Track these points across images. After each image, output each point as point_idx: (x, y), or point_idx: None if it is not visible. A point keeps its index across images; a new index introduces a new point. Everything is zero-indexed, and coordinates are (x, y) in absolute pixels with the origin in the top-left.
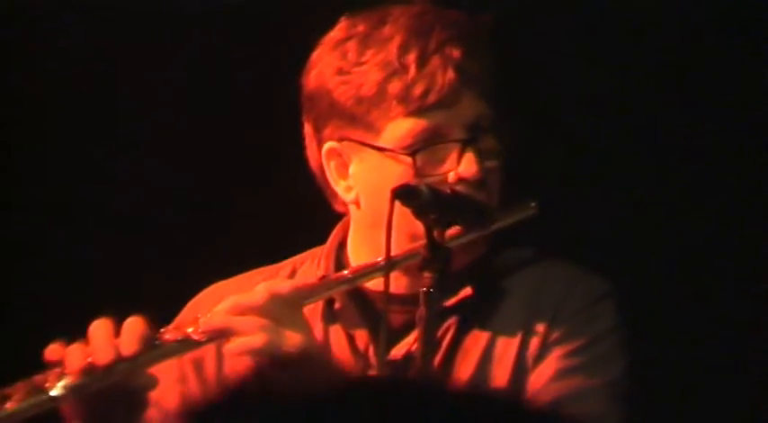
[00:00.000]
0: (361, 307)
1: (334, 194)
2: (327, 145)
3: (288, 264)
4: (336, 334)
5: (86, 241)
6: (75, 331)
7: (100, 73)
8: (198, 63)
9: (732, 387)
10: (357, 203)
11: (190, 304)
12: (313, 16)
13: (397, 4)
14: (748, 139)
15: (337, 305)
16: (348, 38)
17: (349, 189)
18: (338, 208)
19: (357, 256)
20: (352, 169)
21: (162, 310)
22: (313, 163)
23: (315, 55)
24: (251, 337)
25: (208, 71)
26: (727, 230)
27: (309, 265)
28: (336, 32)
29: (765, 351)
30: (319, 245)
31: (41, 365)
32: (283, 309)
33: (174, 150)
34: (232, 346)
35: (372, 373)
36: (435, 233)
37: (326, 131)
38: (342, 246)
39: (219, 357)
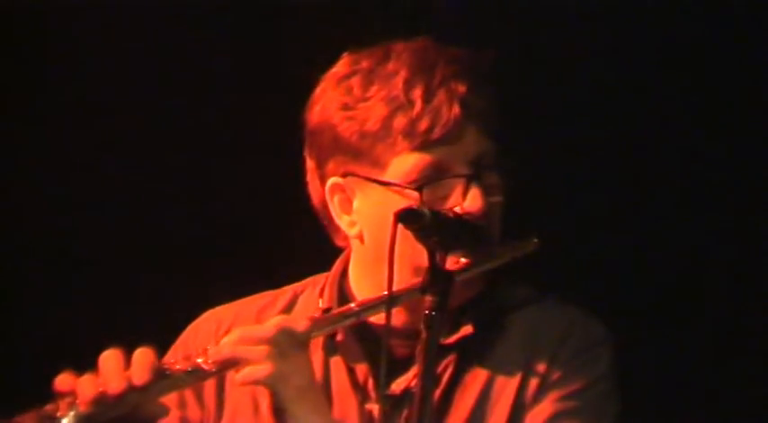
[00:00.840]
0: (362, 340)
1: (337, 229)
2: (331, 180)
3: (289, 290)
4: (337, 366)
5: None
6: (71, 360)
7: (103, 74)
8: (212, 69)
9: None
10: (361, 238)
11: (187, 330)
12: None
13: (398, 41)
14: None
15: (339, 337)
16: (352, 73)
17: (353, 224)
18: (339, 242)
19: (360, 289)
20: (356, 204)
21: (158, 334)
22: (315, 198)
23: (318, 91)
24: (259, 367)
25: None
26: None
27: (310, 293)
28: (340, 68)
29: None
30: (318, 272)
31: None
32: (291, 342)
33: (173, 166)
34: (239, 376)
35: (369, 405)
36: (437, 257)
37: (330, 167)
38: (344, 277)
39: (220, 384)
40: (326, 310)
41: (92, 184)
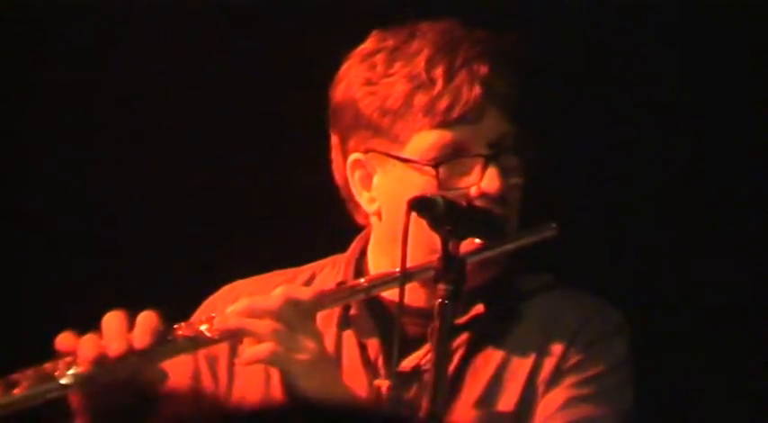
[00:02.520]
0: (375, 316)
1: (357, 206)
2: (352, 156)
3: (308, 268)
4: (349, 341)
5: (103, 238)
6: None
7: (103, 74)
8: (215, 64)
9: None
10: (379, 215)
11: (207, 302)
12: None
13: (425, 21)
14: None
15: (353, 311)
16: (377, 51)
17: (372, 200)
18: (360, 220)
19: (377, 267)
20: (375, 181)
21: (181, 306)
22: (338, 175)
23: (344, 68)
24: (261, 346)
25: (225, 72)
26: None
27: (330, 272)
28: (367, 45)
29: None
30: (340, 252)
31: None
32: (297, 315)
33: (195, 148)
34: (244, 356)
35: (378, 381)
36: (450, 245)
37: (352, 143)
38: (362, 255)
39: (232, 356)
40: (340, 284)
41: (97, 177)
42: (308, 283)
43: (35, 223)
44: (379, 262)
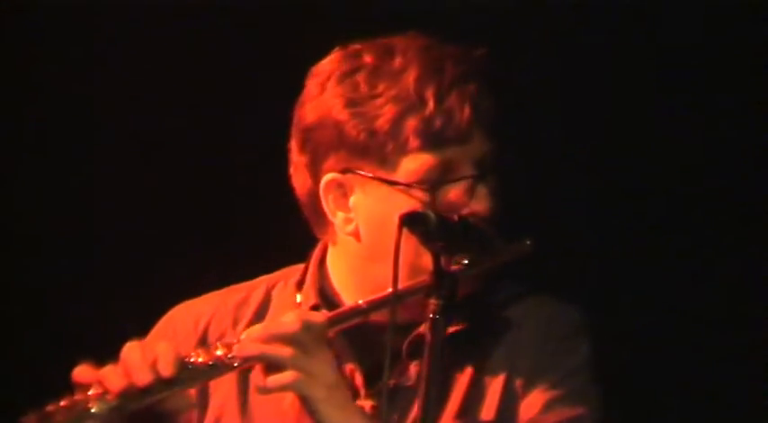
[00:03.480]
0: (350, 336)
1: (324, 224)
2: (329, 176)
3: (260, 284)
4: None
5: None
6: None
7: (102, 74)
8: (201, 66)
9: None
10: (356, 235)
11: (162, 323)
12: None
13: (394, 37)
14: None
15: (329, 334)
16: (356, 70)
17: (348, 221)
18: (321, 236)
19: (344, 285)
20: (353, 201)
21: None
22: (301, 191)
23: (312, 86)
24: (285, 374)
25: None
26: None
27: (283, 287)
28: (338, 64)
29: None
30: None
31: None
32: (313, 340)
33: (195, 148)
34: (268, 383)
35: (361, 402)
36: (442, 261)
37: (328, 163)
38: (321, 272)
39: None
40: (314, 308)
41: (90, 180)
42: (264, 299)
43: (33, 223)
44: (347, 280)
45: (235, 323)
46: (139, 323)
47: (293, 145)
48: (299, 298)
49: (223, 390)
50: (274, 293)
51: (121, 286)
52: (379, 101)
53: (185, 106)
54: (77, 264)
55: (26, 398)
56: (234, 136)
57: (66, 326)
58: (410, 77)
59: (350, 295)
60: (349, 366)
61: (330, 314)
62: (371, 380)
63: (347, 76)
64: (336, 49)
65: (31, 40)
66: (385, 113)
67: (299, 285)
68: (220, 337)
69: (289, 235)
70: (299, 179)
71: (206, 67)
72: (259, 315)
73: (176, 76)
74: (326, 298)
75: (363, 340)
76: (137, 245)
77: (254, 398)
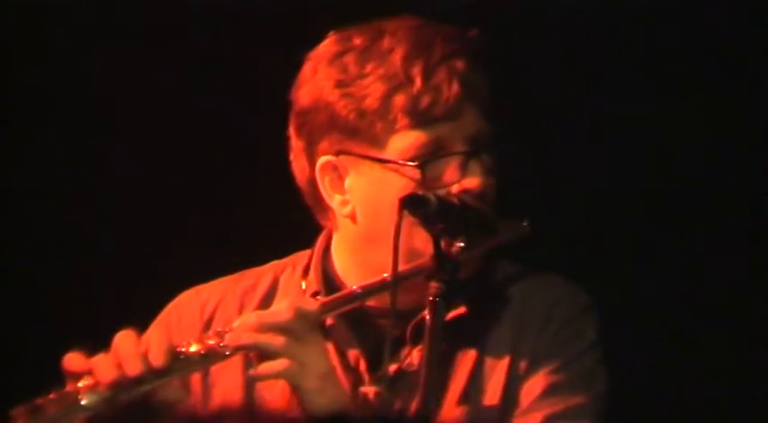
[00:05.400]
0: (352, 323)
1: (324, 209)
2: (323, 159)
3: (269, 270)
4: (329, 350)
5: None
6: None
7: (102, 74)
8: (193, 64)
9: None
10: (353, 217)
11: (169, 309)
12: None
13: (388, 19)
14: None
15: (329, 321)
16: (345, 51)
17: (345, 203)
18: (323, 222)
19: (346, 269)
20: (348, 183)
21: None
22: (301, 177)
23: (307, 70)
24: (277, 362)
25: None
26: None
27: (291, 274)
28: (330, 47)
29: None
30: (299, 248)
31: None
32: (306, 328)
33: (194, 148)
34: (259, 370)
35: (365, 388)
36: (442, 243)
37: (322, 145)
38: (326, 258)
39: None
40: (314, 294)
41: (90, 180)
42: (271, 286)
43: (31, 223)
44: (348, 263)
45: (241, 309)
46: (139, 323)
47: (291, 131)
48: (303, 285)
49: (227, 378)
50: (282, 279)
51: (121, 286)
52: (368, 80)
53: (185, 106)
54: (77, 264)
55: (26, 398)
56: (234, 136)
57: (66, 326)
58: (397, 56)
59: (352, 280)
60: (353, 353)
61: (324, 300)
62: (375, 366)
63: (337, 57)
64: (331, 32)
65: (31, 40)
66: (373, 92)
67: (306, 272)
68: (226, 324)
69: (289, 235)
70: (299, 165)
71: (206, 67)
72: (265, 301)
73: (176, 77)
74: (330, 284)
75: (366, 327)
76: (136, 245)
77: (259, 385)
